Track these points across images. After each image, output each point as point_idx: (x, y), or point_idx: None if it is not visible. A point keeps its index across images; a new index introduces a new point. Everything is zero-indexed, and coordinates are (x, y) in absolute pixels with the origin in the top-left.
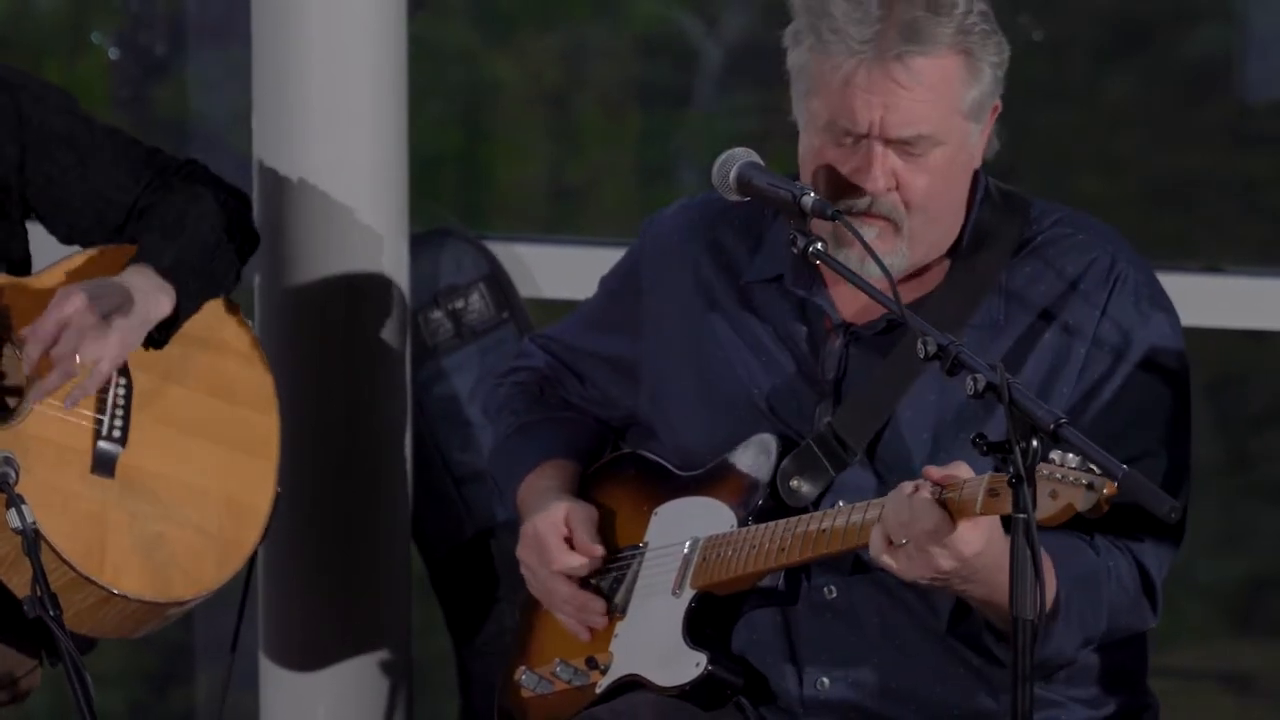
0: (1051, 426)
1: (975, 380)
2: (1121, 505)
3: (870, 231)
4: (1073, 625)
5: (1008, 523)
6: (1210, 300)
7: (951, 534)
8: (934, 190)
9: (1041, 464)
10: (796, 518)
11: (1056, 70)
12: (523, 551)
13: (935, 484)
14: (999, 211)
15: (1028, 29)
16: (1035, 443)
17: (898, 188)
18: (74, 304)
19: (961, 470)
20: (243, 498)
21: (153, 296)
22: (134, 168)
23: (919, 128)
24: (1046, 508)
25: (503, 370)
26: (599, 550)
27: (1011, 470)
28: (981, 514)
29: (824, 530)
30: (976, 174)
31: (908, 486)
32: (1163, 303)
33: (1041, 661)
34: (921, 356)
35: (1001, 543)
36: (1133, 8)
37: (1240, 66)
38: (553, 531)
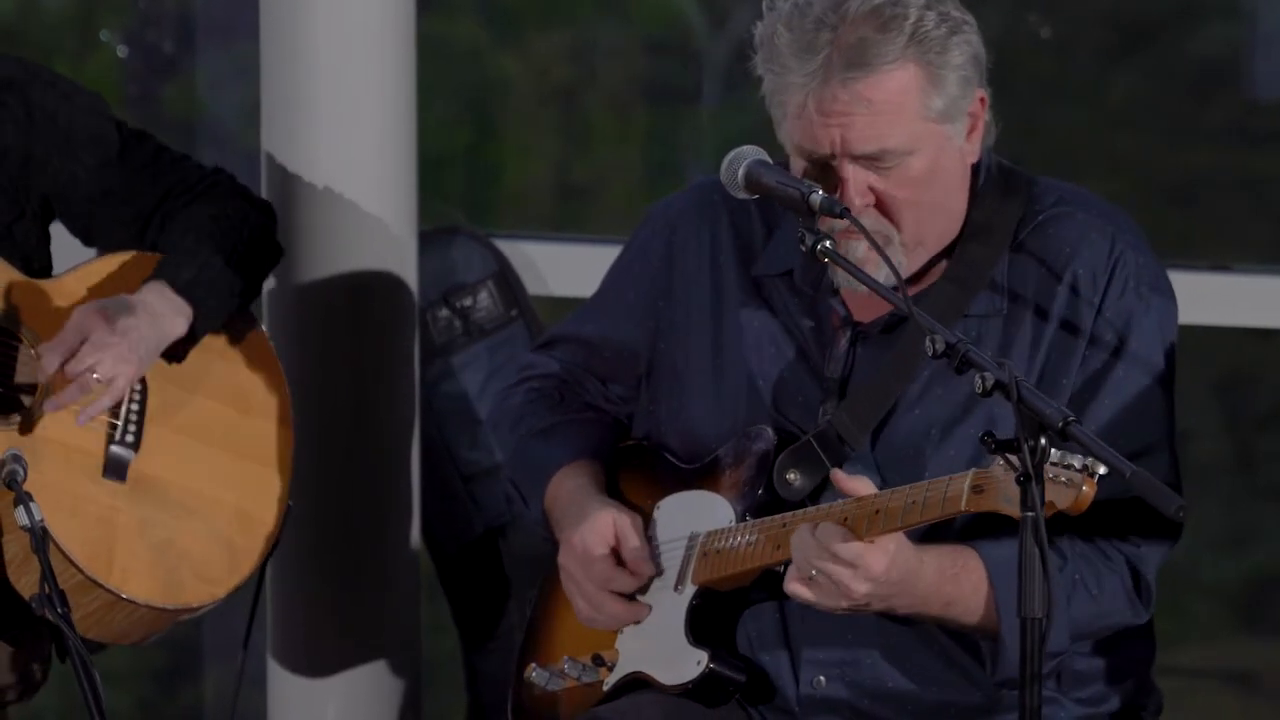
0: (1060, 424)
1: (984, 379)
2: (1116, 504)
3: (858, 248)
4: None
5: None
6: (1217, 298)
7: (857, 555)
8: (918, 198)
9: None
10: (792, 513)
11: (1063, 68)
12: (566, 560)
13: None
14: (998, 196)
15: (1035, 27)
16: (1044, 440)
17: (878, 203)
18: (94, 320)
19: (863, 487)
20: (253, 509)
21: (168, 317)
22: (158, 174)
23: (882, 143)
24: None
25: (511, 381)
26: (650, 569)
27: (1020, 468)
28: (967, 509)
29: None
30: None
31: (806, 525)
32: (1161, 287)
33: (1004, 679)
34: (930, 354)
35: (914, 557)
36: (1140, 6)
37: (1247, 65)
38: (600, 545)
